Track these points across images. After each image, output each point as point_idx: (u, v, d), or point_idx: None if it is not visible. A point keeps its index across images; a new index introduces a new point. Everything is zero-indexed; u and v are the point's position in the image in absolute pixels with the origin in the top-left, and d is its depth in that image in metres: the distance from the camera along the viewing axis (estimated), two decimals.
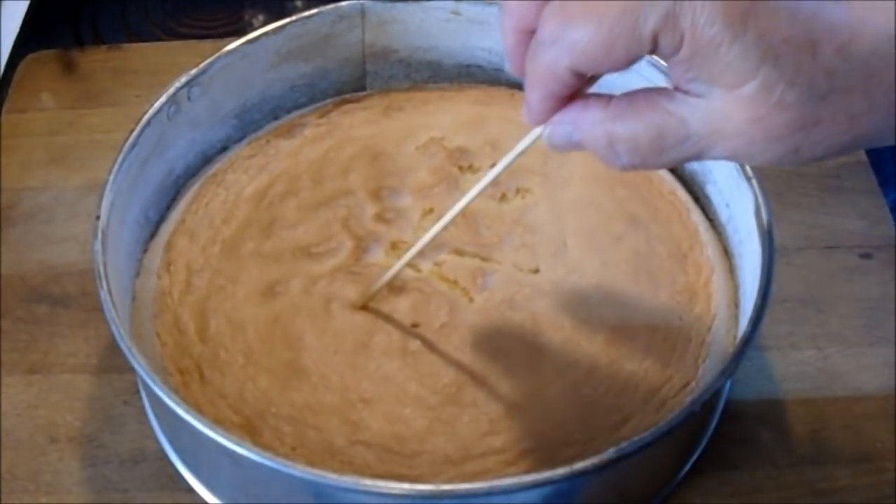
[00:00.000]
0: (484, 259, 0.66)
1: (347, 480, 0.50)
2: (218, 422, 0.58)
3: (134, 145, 0.65)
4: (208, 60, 0.70)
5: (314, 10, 0.73)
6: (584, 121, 0.45)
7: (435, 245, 0.66)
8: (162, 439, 0.64)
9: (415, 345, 0.62)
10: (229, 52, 0.71)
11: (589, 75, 0.43)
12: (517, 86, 0.78)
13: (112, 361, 0.68)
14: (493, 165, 0.71)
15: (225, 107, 0.73)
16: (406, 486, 0.51)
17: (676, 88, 0.43)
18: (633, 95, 0.44)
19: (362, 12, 0.75)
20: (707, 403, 0.55)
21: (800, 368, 0.69)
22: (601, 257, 0.67)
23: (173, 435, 0.63)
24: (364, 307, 0.64)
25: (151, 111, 0.67)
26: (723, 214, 0.69)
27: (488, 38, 0.77)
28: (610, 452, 0.51)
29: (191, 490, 0.62)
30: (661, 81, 0.70)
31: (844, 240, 0.76)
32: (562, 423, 0.59)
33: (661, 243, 0.68)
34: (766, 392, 0.68)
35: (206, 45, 0.88)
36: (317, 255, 0.67)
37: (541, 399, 0.60)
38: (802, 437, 0.66)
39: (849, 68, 0.40)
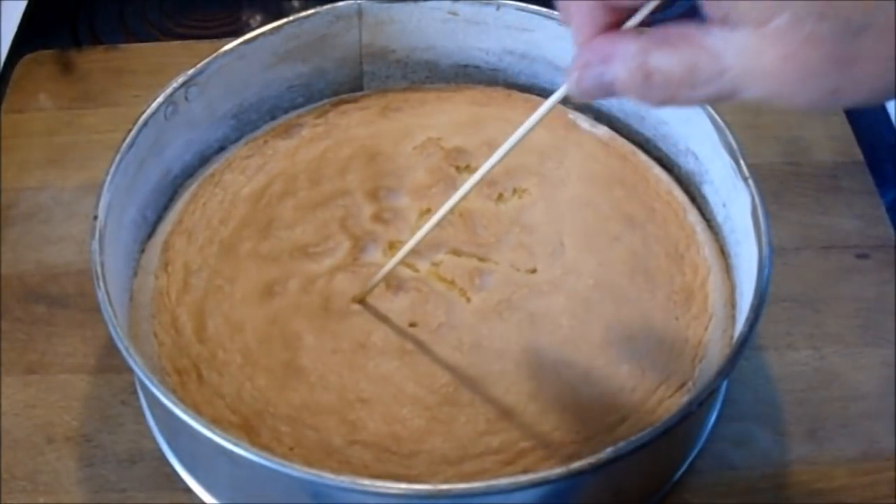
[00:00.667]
0: (481, 259, 0.66)
1: (345, 480, 0.50)
2: (215, 422, 0.58)
3: (131, 145, 0.65)
4: (206, 61, 0.70)
5: (311, 11, 0.73)
6: (616, 55, 0.43)
7: (432, 245, 0.66)
8: (159, 439, 0.64)
9: (412, 345, 0.62)
10: (226, 52, 0.71)
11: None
12: (514, 86, 0.78)
13: (109, 361, 0.68)
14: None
15: (222, 107, 0.73)
16: (403, 486, 0.51)
17: (710, 23, 0.40)
18: (666, 29, 0.42)
19: (359, 12, 0.75)
20: (704, 403, 0.55)
21: (796, 368, 0.69)
22: (598, 257, 0.67)
23: (171, 435, 0.63)
24: (362, 302, 0.64)
25: (149, 111, 0.67)
26: (719, 214, 0.69)
27: (485, 39, 0.77)
28: (607, 452, 0.52)
29: (188, 490, 0.62)
30: None
31: (841, 240, 0.77)
32: (559, 423, 0.59)
33: (657, 243, 0.68)
34: (762, 392, 0.68)
35: (204, 45, 0.88)
36: (314, 255, 0.67)
37: (538, 399, 0.60)
38: (799, 437, 0.66)
39: (886, 4, 0.36)
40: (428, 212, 0.69)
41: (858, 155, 0.82)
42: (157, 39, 0.96)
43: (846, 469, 0.65)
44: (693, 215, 0.71)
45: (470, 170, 0.72)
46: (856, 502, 0.63)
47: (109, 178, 0.63)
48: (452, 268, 0.66)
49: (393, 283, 0.64)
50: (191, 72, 0.69)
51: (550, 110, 0.49)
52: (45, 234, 0.76)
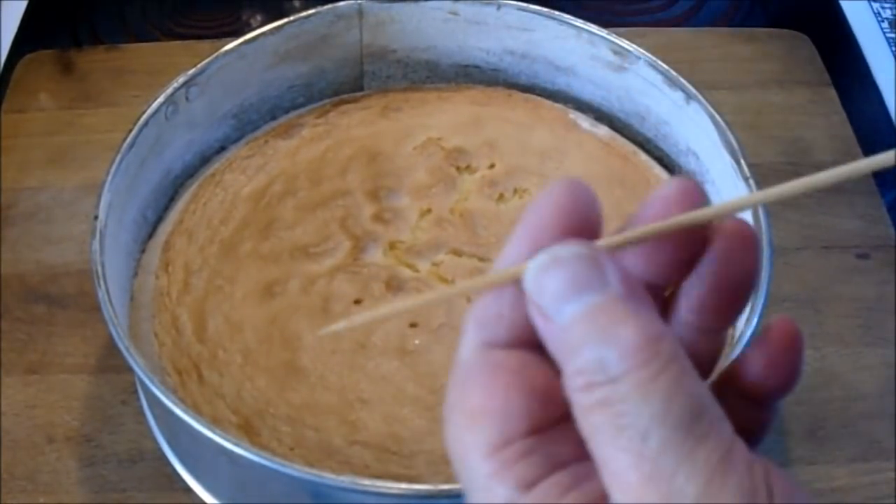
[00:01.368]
0: (482, 259, 0.66)
1: (345, 480, 0.50)
2: (216, 422, 0.58)
3: (132, 145, 0.65)
4: (206, 61, 0.70)
5: (312, 11, 0.73)
6: None
7: (433, 245, 0.66)
8: (160, 439, 0.64)
9: (413, 345, 0.62)
10: (227, 52, 0.71)
11: None
12: (515, 86, 0.78)
13: (110, 361, 0.68)
14: (492, 166, 0.72)
15: (223, 107, 0.73)
16: (404, 486, 0.51)
17: None
18: None
19: (360, 12, 0.75)
20: None
21: None
22: None
23: (171, 435, 0.63)
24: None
25: (149, 111, 0.67)
26: None
27: (486, 39, 0.77)
28: None
29: (189, 490, 0.62)
30: (659, 82, 0.71)
31: (842, 240, 0.77)
32: None
33: None
34: None
35: (204, 45, 0.88)
36: (315, 255, 0.67)
37: None
38: (800, 437, 0.66)
39: None
40: (428, 212, 0.69)
41: (859, 155, 0.82)
42: (157, 39, 0.96)
43: (846, 469, 0.65)
44: None
45: (470, 170, 0.72)
46: (856, 502, 0.63)
47: (110, 177, 0.63)
48: (453, 268, 0.66)
49: (393, 283, 0.64)
50: (191, 72, 0.69)
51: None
52: (46, 233, 0.76)
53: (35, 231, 0.76)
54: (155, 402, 0.61)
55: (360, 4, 0.74)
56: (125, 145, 0.64)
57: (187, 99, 0.69)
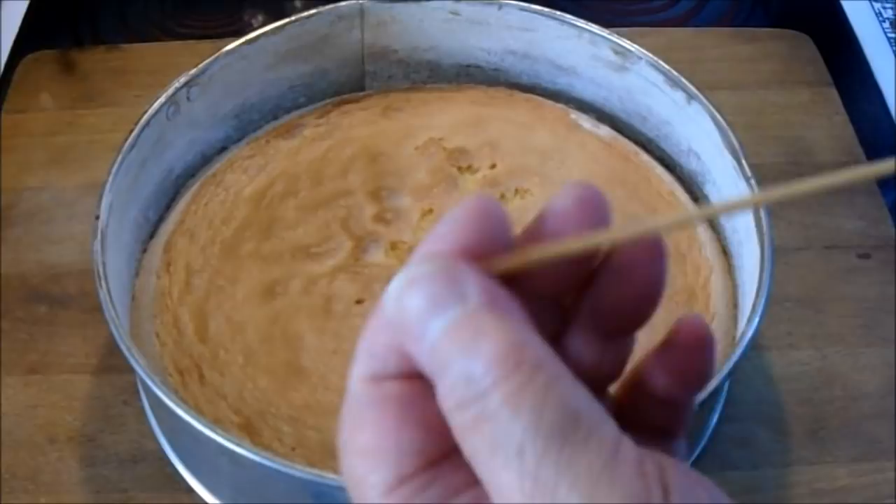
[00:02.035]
0: None
1: None
2: (217, 422, 0.58)
3: (133, 145, 0.65)
4: (207, 61, 0.70)
5: (313, 11, 0.73)
6: None
7: None
8: (161, 439, 0.64)
9: None
10: (228, 52, 0.71)
11: None
12: (516, 86, 0.78)
13: (111, 361, 0.68)
14: (493, 166, 0.72)
15: (224, 107, 0.73)
16: None
17: None
18: None
19: (361, 12, 0.75)
20: (705, 403, 0.55)
21: (798, 368, 0.69)
22: None
23: (173, 435, 0.63)
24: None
25: (150, 111, 0.67)
26: (722, 214, 0.69)
27: (487, 39, 0.77)
28: None
29: (190, 490, 0.62)
30: (660, 82, 0.71)
31: (843, 240, 0.77)
32: None
33: None
34: (764, 392, 0.68)
35: (205, 45, 0.88)
36: (316, 255, 0.67)
37: None
38: (801, 437, 0.66)
39: None
40: (429, 212, 0.69)
41: (860, 155, 0.82)
42: (158, 39, 0.96)
43: (848, 469, 0.65)
44: None
45: (471, 170, 0.72)
46: (857, 502, 0.63)
47: (111, 178, 0.63)
48: None
49: None
50: (192, 72, 0.69)
51: None
52: (47, 234, 0.76)
53: (36, 231, 0.76)
54: (156, 403, 0.61)
55: (361, 4, 0.74)
56: (126, 145, 0.64)
57: (188, 99, 0.69)
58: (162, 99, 0.67)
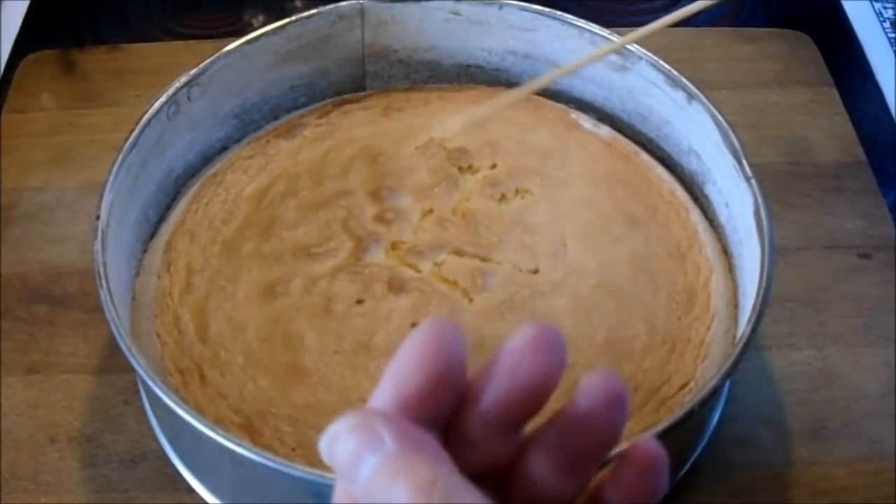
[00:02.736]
0: (483, 259, 0.66)
1: None
2: (218, 422, 0.58)
3: (134, 145, 0.65)
4: (208, 60, 0.70)
5: (314, 11, 0.73)
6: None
7: (434, 245, 0.66)
8: (162, 439, 0.64)
9: None
10: (229, 52, 0.71)
11: None
12: (517, 86, 0.78)
13: (112, 361, 0.68)
14: (493, 166, 0.72)
15: (224, 107, 0.73)
16: None
17: None
18: None
19: (362, 12, 0.75)
20: (706, 403, 0.55)
21: (799, 368, 0.69)
22: (600, 258, 0.67)
23: (173, 435, 0.63)
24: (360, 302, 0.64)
25: (151, 111, 0.67)
26: (722, 214, 0.69)
27: (488, 39, 0.77)
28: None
29: (191, 490, 0.63)
30: (660, 82, 0.71)
31: (844, 240, 0.77)
32: None
33: (660, 244, 0.68)
34: (765, 392, 0.68)
35: (206, 45, 0.88)
36: (317, 255, 0.67)
37: None
38: (801, 436, 0.66)
39: None
40: (430, 212, 0.69)
41: (861, 155, 0.82)
42: (159, 39, 0.96)
43: (848, 469, 0.65)
44: (695, 215, 0.71)
45: (472, 170, 0.72)
46: (858, 502, 0.63)
47: (112, 177, 0.63)
48: (454, 268, 0.66)
49: (395, 283, 0.64)
50: (193, 72, 0.69)
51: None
52: (47, 234, 0.76)
53: (37, 231, 0.76)
54: (157, 403, 0.61)
55: (361, 4, 0.74)
56: (127, 145, 0.65)
57: (189, 99, 0.69)
58: (162, 99, 0.67)
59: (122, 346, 0.56)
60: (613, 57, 0.73)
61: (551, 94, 0.78)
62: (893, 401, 0.68)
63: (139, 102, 0.76)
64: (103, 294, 0.57)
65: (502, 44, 0.77)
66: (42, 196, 0.79)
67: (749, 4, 1.01)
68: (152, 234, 0.69)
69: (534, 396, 0.32)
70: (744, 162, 0.65)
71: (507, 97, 0.61)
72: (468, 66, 0.79)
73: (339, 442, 0.31)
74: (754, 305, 0.58)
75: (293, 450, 0.58)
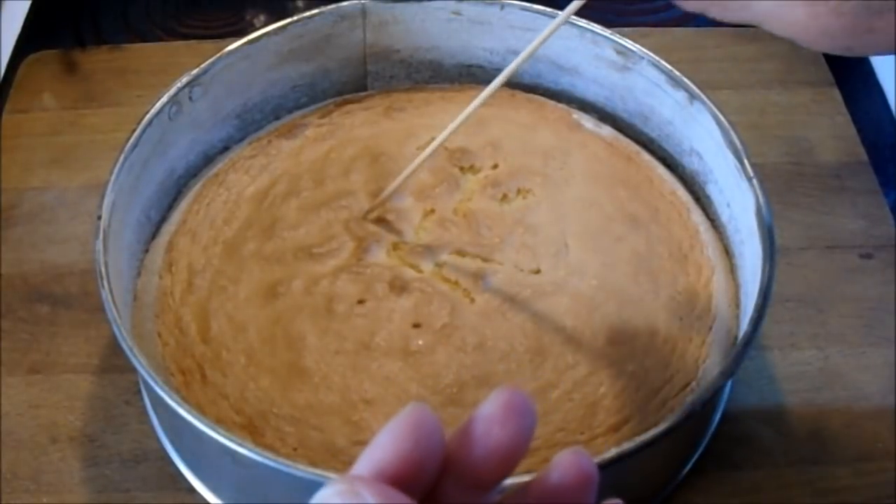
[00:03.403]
0: (485, 260, 0.66)
1: None
2: (219, 422, 0.58)
3: (135, 145, 0.65)
4: (210, 60, 0.70)
5: (315, 11, 0.73)
6: None
7: (436, 246, 0.66)
8: (163, 439, 0.64)
9: (416, 345, 0.62)
10: (231, 52, 0.71)
11: None
12: (518, 86, 0.78)
13: (113, 361, 0.68)
14: (495, 166, 0.72)
15: (226, 107, 0.73)
16: None
17: None
18: None
19: (363, 12, 0.75)
20: (708, 403, 0.55)
21: (800, 368, 0.69)
22: (602, 258, 0.67)
23: (175, 435, 0.63)
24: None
25: (153, 111, 0.67)
26: (724, 214, 0.69)
27: (489, 39, 0.77)
28: (611, 452, 0.52)
29: (192, 490, 0.63)
30: (662, 82, 0.71)
31: (845, 240, 0.77)
32: (563, 423, 0.59)
33: (661, 244, 0.68)
34: (766, 392, 0.68)
35: (208, 45, 0.88)
36: (318, 255, 0.67)
37: (542, 400, 0.60)
38: (803, 436, 0.66)
39: None
40: (431, 212, 0.69)
41: (862, 155, 0.82)
42: (160, 39, 0.96)
43: (849, 469, 0.65)
44: (697, 215, 0.71)
45: (473, 170, 0.72)
46: (859, 502, 0.63)
47: (113, 178, 0.63)
48: (456, 268, 0.66)
49: (397, 283, 0.64)
50: (195, 72, 0.69)
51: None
52: (49, 233, 0.76)
53: (38, 231, 0.76)
54: (158, 403, 0.61)
55: (363, 4, 0.74)
56: (128, 145, 0.65)
57: (191, 99, 0.69)
58: (164, 99, 0.67)
59: (124, 346, 0.56)
60: (615, 57, 0.73)
61: (553, 94, 0.78)
62: (894, 401, 0.68)
63: (141, 102, 0.76)
64: (105, 294, 0.57)
65: (504, 44, 0.77)
66: (44, 196, 0.79)
67: None
68: (154, 234, 0.69)
69: (504, 461, 0.34)
70: (745, 162, 0.65)
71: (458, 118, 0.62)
72: (470, 66, 0.79)
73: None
74: (756, 305, 0.58)
75: (294, 450, 0.58)
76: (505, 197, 0.70)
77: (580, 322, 0.64)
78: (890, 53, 0.44)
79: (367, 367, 0.61)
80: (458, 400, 0.60)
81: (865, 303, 0.73)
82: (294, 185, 0.71)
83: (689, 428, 0.61)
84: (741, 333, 0.59)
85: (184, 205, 0.70)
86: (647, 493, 0.62)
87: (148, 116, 0.66)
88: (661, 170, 0.73)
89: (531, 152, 0.73)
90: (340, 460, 0.57)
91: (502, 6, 0.75)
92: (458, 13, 0.76)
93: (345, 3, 0.74)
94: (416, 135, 0.74)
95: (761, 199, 0.63)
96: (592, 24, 0.73)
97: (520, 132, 0.74)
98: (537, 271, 0.66)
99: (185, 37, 0.96)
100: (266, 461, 0.51)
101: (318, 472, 0.51)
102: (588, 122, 0.76)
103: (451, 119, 0.74)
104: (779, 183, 0.79)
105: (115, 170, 0.63)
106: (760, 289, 0.58)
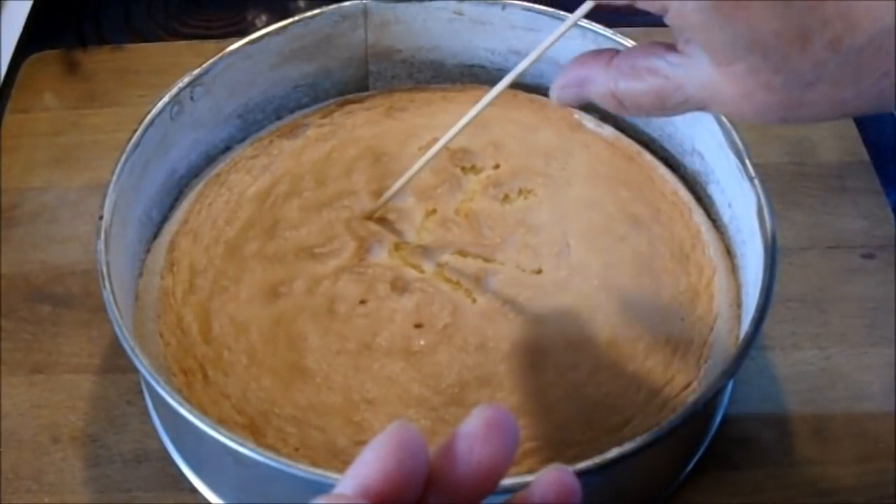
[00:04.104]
0: (487, 260, 0.66)
1: None
2: (221, 422, 0.58)
3: (137, 145, 0.65)
4: (211, 60, 0.70)
5: (317, 11, 0.73)
6: (589, 81, 0.48)
7: (438, 246, 0.66)
8: (165, 439, 0.64)
9: (418, 345, 0.62)
10: (232, 52, 0.71)
11: None
12: (520, 86, 0.78)
13: (115, 361, 0.68)
14: (497, 166, 0.72)
15: (228, 107, 0.73)
16: None
17: (676, 47, 0.44)
18: (635, 56, 0.46)
19: (365, 12, 0.75)
20: (709, 403, 0.55)
21: (802, 368, 0.69)
22: (603, 258, 0.67)
23: (176, 435, 0.63)
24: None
25: (154, 111, 0.67)
26: (725, 214, 0.69)
27: (491, 39, 0.77)
28: (612, 452, 0.52)
29: (194, 490, 0.63)
30: None
31: (847, 240, 0.76)
32: (564, 423, 0.59)
33: (663, 244, 0.68)
34: (768, 392, 0.68)
35: (209, 45, 0.88)
36: (320, 255, 0.67)
37: (543, 400, 0.60)
38: (804, 436, 0.66)
39: (839, 60, 0.41)
40: (433, 212, 0.69)
41: (864, 155, 0.82)
42: (162, 39, 0.96)
43: (851, 469, 0.65)
44: (699, 215, 0.71)
45: (475, 170, 0.72)
46: (860, 502, 0.63)
47: (115, 177, 0.63)
48: (458, 269, 0.66)
49: (398, 284, 0.64)
50: (196, 72, 0.69)
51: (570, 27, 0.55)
52: (50, 233, 0.76)
53: (40, 231, 0.76)
54: (160, 403, 0.61)
55: (365, 4, 0.74)
56: (130, 145, 0.65)
57: (192, 99, 0.69)
58: (166, 99, 0.67)
59: (126, 346, 0.56)
60: None
61: None
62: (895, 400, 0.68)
63: (142, 102, 0.76)
64: (106, 294, 0.57)
65: (505, 44, 0.77)
66: (45, 196, 0.79)
67: None
68: (155, 234, 0.69)
69: (486, 477, 0.34)
70: (747, 162, 0.65)
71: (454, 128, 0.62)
72: (471, 66, 0.79)
73: None
74: (757, 305, 0.58)
75: (296, 450, 0.58)
76: (506, 197, 0.70)
77: (582, 322, 0.64)
78: (826, 120, 0.44)
79: (368, 367, 0.61)
80: (459, 400, 0.60)
81: (867, 303, 0.73)
82: (296, 186, 0.71)
83: (691, 428, 0.61)
84: (742, 333, 0.59)
85: (185, 205, 0.70)
86: (649, 493, 0.62)
87: (149, 116, 0.66)
88: (663, 170, 0.73)
89: (533, 152, 0.73)
90: (342, 460, 0.57)
91: (504, 6, 0.75)
92: (459, 13, 0.76)
93: (346, 3, 0.74)
94: (418, 135, 0.74)
95: (763, 199, 0.63)
96: (594, 24, 0.73)
97: (521, 132, 0.74)
98: (539, 271, 0.66)
99: (187, 37, 0.96)
100: (268, 461, 0.51)
101: (320, 472, 0.51)
102: (590, 122, 0.76)
103: (452, 119, 0.75)
104: (780, 183, 0.79)
105: (117, 170, 0.63)
106: (762, 289, 0.58)
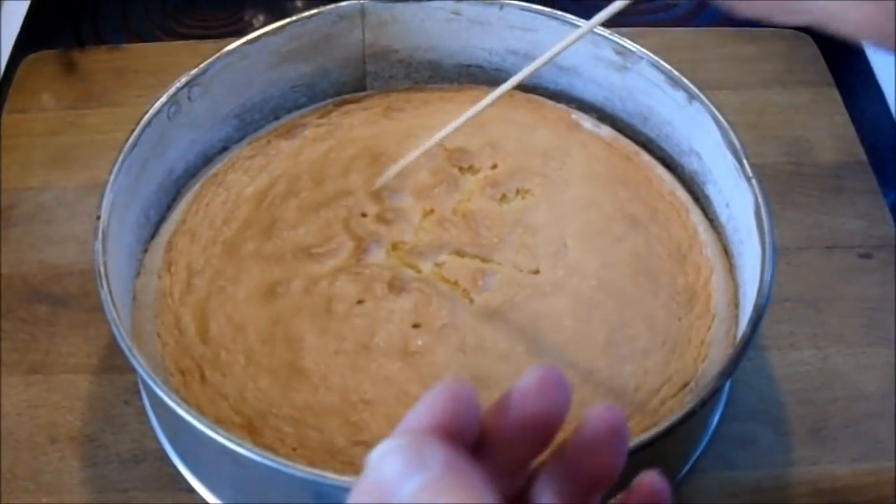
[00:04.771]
0: (484, 260, 0.66)
1: (348, 481, 0.50)
2: (219, 422, 0.58)
3: (134, 145, 0.65)
4: (209, 61, 0.70)
5: (314, 11, 0.73)
6: None
7: (435, 246, 0.66)
8: (162, 439, 0.64)
9: (415, 346, 0.62)
10: (229, 52, 0.71)
11: None
12: (518, 87, 0.78)
13: (113, 361, 0.68)
14: (494, 166, 0.72)
15: (225, 107, 0.73)
16: None
17: None
18: None
19: (362, 12, 0.75)
20: (707, 403, 0.55)
21: (799, 368, 0.69)
22: (601, 258, 0.67)
23: (174, 435, 0.63)
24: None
25: (152, 111, 0.67)
26: (723, 214, 0.69)
27: (489, 39, 0.77)
28: None
29: (191, 490, 0.63)
30: (661, 82, 0.71)
31: (844, 240, 0.77)
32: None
33: (660, 244, 0.68)
34: (765, 392, 0.68)
35: (207, 45, 0.88)
36: (317, 255, 0.66)
37: None
38: (802, 436, 0.66)
39: None
40: (431, 212, 0.69)
41: (861, 155, 0.82)
42: (159, 39, 0.96)
43: (849, 469, 0.65)
44: (696, 215, 0.71)
45: (473, 170, 0.72)
46: (859, 502, 0.63)
47: (112, 177, 0.63)
48: (455, 269, 0.66)
49: (396, 284, 0.64)
50: (194, 72, 0.69)
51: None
52: (48, 233, 0.76)
53: (37, 231, 0.76)
54: (157, 403, 0.61)
55: (362, 4, 0.74)
56: (128, 145, 0.65)
57: (190, 99, 0.69)
58: (163, 99, 0.67)
59: (123, 347, 0.56)
60: (614, 57, 0.73)
61: (552, 94, 0.78)
62: (894, 401, 0.68)
63: (140, 102, 0.76)
64: (104, 294, 0.57)
65: (503, 44, 0.77)
66: (43, 196, 0.79)
67: None
68: (153, 235, 0.69)
69: (540, 434, 0.34)
70: (744, 162, 0.65)
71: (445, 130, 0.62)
72: (469, 66, 0.79)
73: (388, 458, 0.33)
74: (755, 305, 0.58)
75: (294, 450, 0.58)
76: (504, 197, 0.70)
77: (579, 322, 0.64)
78: None
79: (366, 367, 0.61)
80: None
81: (864, 302, 0.73)
82: (293, 186, 0.71)
83: (689, 428, 0.61)
84: (740, 333, 0.59)
85: (183, 205, 0.70)
86: None
87: (147, 116, 0.66)
88: (661, 170, 0.73)
89: (530, 152, 0.73)
90: (340, 460, 0.57)
91: (501, 6, 0.75)
92: (457, 13, 0.76)
93: (344, 3, 0.74)
94: (416, 135, 0.74)
95: (760, 199, 0.63)
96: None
97: (519, 132, 0.74)
98: (536, 271, 0.66)
99: (184, 37, 0.96)
100: (265, 461, 0.51)
101: (317, 472, 0.51)
102: (587, 122, 0.76)
103: (450, 119, 0.75)
104: (778, 183, 0.79)
105: (114, 170, 0.63)
106: (759, 289, 0.58)
